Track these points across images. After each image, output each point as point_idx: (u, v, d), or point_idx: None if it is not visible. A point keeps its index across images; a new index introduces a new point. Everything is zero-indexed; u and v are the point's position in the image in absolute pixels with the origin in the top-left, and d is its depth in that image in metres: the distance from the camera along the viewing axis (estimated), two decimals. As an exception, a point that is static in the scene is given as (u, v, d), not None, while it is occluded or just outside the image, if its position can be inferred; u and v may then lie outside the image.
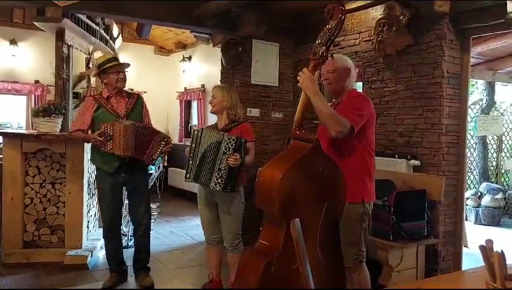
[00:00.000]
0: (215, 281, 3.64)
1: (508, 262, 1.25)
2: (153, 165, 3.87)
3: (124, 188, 3.86)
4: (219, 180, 3.19)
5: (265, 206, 2.58)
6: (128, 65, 3.80)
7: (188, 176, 3.32)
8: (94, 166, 3.95)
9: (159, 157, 3.84)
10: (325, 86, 2.89)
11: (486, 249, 1.27)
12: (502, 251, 1.25)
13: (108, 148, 3.48)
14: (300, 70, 2.59)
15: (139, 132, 3.54)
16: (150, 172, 6.00)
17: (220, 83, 3.76)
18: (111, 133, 3.46)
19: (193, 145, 3.30)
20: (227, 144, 3.18)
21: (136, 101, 3.75)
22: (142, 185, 3.80)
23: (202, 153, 3.26)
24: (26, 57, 8.20)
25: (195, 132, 3.32)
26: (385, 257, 3.54)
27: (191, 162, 3.30)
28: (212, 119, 8.12)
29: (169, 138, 3.79)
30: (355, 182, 2.69)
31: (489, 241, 1.30)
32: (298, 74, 2.58)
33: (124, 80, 3.68)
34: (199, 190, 3.56)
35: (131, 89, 5.82)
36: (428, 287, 1.59)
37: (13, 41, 8.02)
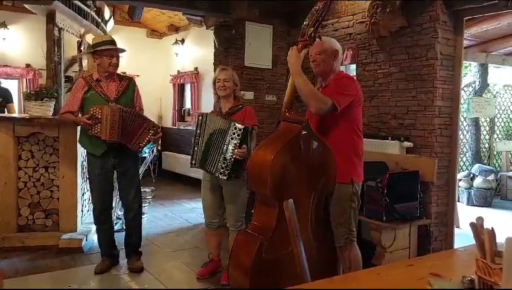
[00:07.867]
0: (214, 261, 3.68)
1: (497, 240, 1.27)
2: (140, 152, 3.83)
3: (115, 172, 3.77)
4: (224, 170, 3.10)
5: (258, 187, 2.61)
6: (122, 50, 3.67)
7: (193, 162, 3.27)
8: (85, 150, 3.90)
9: (149, 145, 3.79)
10: (312, 68, 2.88)
11: (477, 227, 1.29)
12: (492, 228, 1.26)
13: (95, 131, 3.42)
14: None
15: (127, 117, 3.46)
16: (143, 156, 5.98)
17: (223, 65, 3.70)
18: (99, 117, 3.40)
19: (198, 131, 3.23)
20: (234, 133, 3.08)
21: (128, 85, 3.66)
22: (132, 170, 3.73)
23: (207, 139, 3.19)
24: (17, 41, 8.11)
25: (200, 118, 3.25)
26: (378, 237, 3.59)
27: (196, 148, 3.24)
28: (205, 102, 8.13)
29: (159, 126, 3.71)
30: (344, 162, 2.71)
31: (480, 219, 1.31)
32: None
33: (117, 65, 3.57)
34: (204, 173, 3.46)
35: (124, 73, 5.75)
36: (419, 265, 1.61)
37: (3, 24, 7.91)
